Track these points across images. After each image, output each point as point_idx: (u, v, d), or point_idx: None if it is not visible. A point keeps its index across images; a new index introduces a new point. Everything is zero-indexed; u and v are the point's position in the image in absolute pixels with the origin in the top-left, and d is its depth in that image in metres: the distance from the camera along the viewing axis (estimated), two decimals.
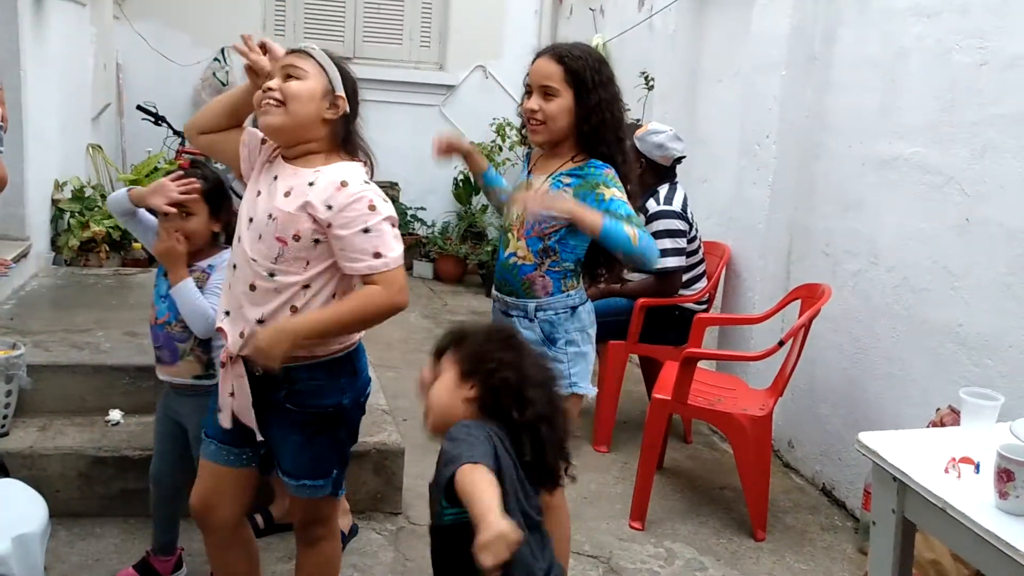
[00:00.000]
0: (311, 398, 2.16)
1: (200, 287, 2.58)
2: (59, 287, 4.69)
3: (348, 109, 2.15)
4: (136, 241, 5.30)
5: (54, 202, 5.22)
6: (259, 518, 3.15)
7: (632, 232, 2.37)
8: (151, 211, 2.66)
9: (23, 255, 4.56)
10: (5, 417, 3.21)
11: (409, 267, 7.36)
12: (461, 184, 7.49)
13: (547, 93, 2.46)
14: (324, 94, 2.11)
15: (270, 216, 2.09)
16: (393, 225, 2.09)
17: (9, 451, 3.07)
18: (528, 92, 2.52)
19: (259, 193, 2.17)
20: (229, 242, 2.62)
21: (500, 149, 7.18)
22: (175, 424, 2.70)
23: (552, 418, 1.74)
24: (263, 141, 2.25)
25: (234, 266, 2.18)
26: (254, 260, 2.11)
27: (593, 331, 2.62)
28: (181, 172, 2.64)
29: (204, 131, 2.31)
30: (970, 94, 3.12)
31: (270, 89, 2.09)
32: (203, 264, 2.63)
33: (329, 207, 2.04)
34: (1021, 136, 2.92)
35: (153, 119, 6.46)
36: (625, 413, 4.42)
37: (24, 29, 4.52)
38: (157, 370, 2.69)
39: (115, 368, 3.49)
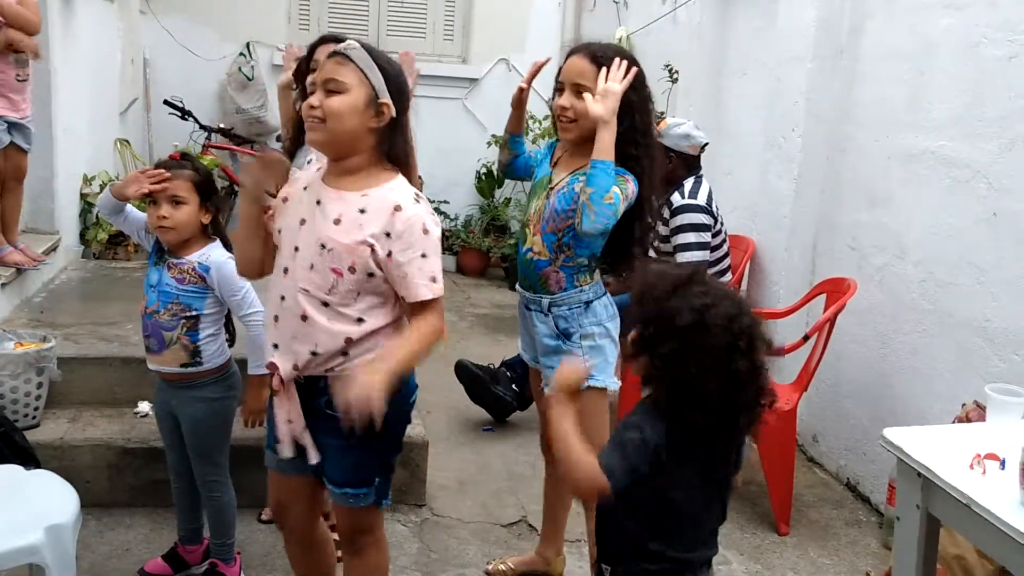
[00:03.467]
0: None
1: (196, 284, 2.61)
2: (88, 280, 4.75)
3: (394, 113, 2.07)
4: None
5: (83, 196, 5.28)
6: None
7: (610, 195, 2.38)
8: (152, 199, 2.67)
9: (52, 249, 4.63)
10: (36, 409, 3.27)
11: None
12: (484, 177, 7.49)
13: (579, 91, 2.47)
14: (367, 104, 2.04)
15: (323, 246, 2.05)
16: (439, 243, 2.09)
17: (40, 442, 3.12)
18: (560, 89, 2.53)
19: (303, 221, 2.10)
20: (216, 234, 2.68)
21: None
22: (171, 416, 2.74)
23: (736, 386, 1.68)
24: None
25: (281, 297, 2.12)
26: (306, 291, 2.07)
27: (613, 324, 2.62)
28: (159, 162, 2.70)
29: (259, 271, 2.27)
30: (998, 87, 3.09)
31: (312, 107, 2.04)
32: (193, 259, 2.62)
33: (388, 234, 2.03)
34: None
35: (180, 114, 6.51)
36: None
37: (53, 25, 4.57)
38: (147, 360, 2.71)
39: (144, 361, 3.51)
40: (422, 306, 2.06)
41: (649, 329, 1.72)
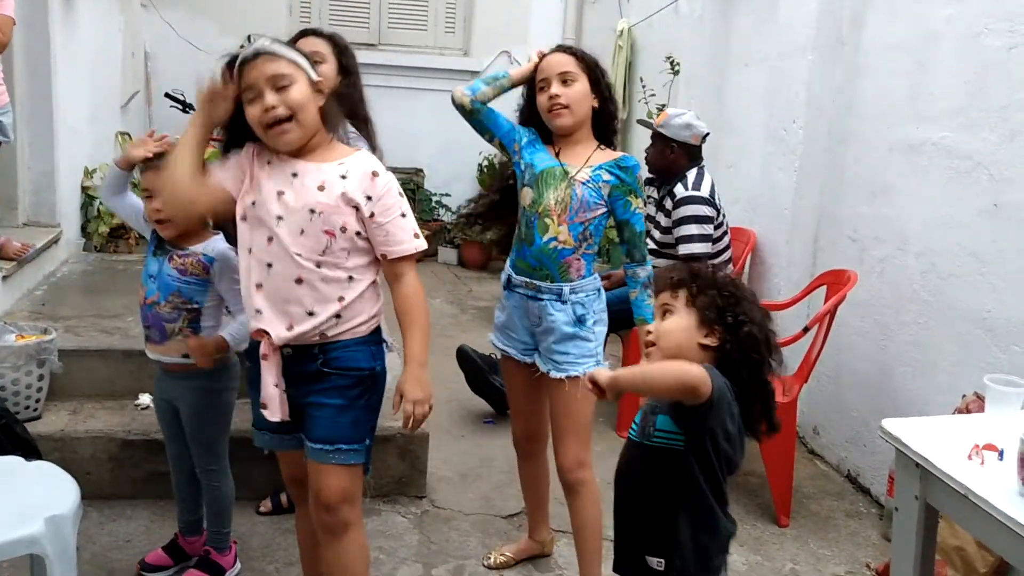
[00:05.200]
0: (349, 362, 2.22)
1: (199, 276, 2.61)
2: (89, 273, 4.76)
3: (327, 87, 2.23)
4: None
5: (84, 189, 5.29)
6: (277, 499, 3.20)
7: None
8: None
9: (54, 241, 4.64)
10: (37, 401, 3.28)
11: (434, 253, 7.38)
12: (486, 170, 7.49)
13: (565, 80, 2.60)
14: (309, 86, 2.16)
15: (312, 211, 2.13)
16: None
17: (41, 434, 3.13)
18: (542, 88, 2.64)
19: (281, 192, 2.15)
20: (217, 228, 2.68)
21: None
22: (170, 405, 2.74)
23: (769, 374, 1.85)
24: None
25: (268, 264, 2.15)
26: (298, 255, 2.13)
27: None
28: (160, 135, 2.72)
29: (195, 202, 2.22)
30: (1000, 78, 3.08)
31: (272, 107, 2.09)
32: (198, 249, 2.62)
33: (369, 198, 2.16)
34: None
35: (181, 107, 6.50)
36: None
37: (54, 18, 4.57)
38: (147, 349, 2.72)
39: (144, 353, 3.53)
40: (401, 264, 2.22)
41: (731, 311, 1.82)
